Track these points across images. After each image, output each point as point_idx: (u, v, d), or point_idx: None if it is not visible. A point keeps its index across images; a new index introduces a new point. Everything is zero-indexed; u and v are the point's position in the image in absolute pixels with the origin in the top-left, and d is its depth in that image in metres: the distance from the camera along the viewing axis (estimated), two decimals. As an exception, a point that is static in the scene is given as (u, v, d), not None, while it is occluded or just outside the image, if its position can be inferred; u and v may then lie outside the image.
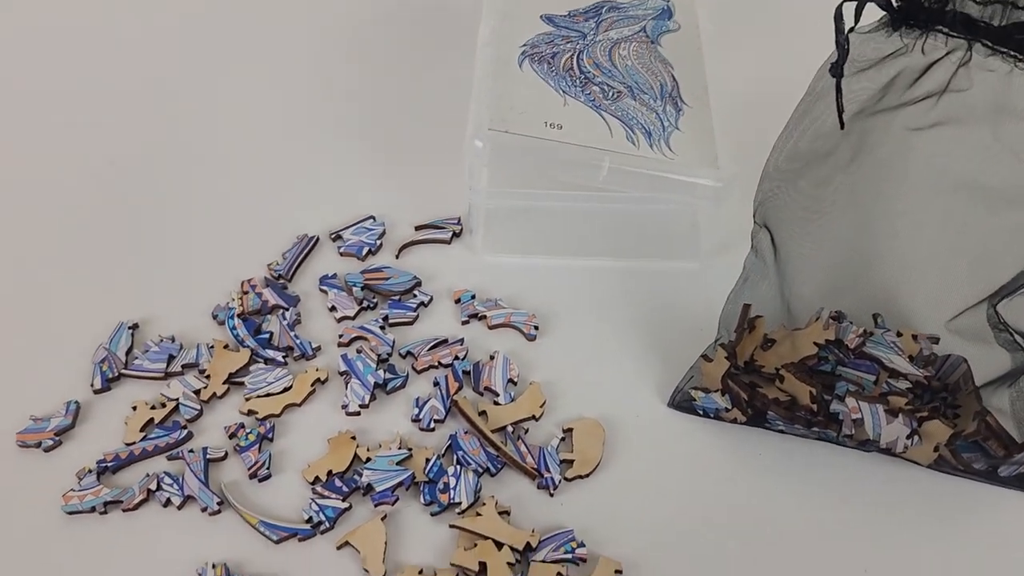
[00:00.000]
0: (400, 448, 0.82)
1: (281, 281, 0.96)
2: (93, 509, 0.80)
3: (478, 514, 0.78)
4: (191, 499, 0.81)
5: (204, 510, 0.80)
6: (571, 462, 0.81)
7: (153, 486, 0.81)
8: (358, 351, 0.89)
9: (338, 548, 0.78)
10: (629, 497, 0.80)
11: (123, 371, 0.90)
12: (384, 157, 1.09)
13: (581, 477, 0.81)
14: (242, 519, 0.80)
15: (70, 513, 0.80)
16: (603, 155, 0.87)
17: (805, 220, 0.79)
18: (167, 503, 0.81)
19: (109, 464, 0.83)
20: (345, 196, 1.04)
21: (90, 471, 0.82)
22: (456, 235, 1.00)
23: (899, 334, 0.79)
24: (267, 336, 0.91)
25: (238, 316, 0.93)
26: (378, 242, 0.99)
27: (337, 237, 1.00)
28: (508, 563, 0.75)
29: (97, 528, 0.80)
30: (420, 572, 0.75)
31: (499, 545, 0.76)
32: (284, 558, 0.78)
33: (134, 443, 0.84)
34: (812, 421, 0.79)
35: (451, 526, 0.78)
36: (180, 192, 1.06)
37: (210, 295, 0.95)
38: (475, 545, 0.76)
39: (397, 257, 0.98)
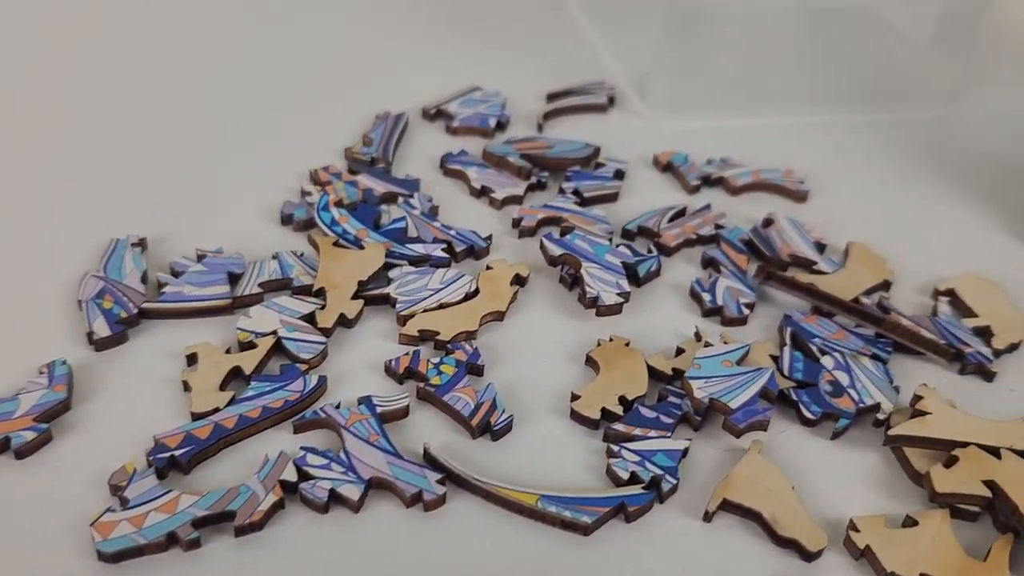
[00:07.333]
0: (725, 343, 0.47)
1: (380, 166, 0.59)
2: (171, 539, 0.37)
3: (920, 413, 0.44)
4: (382, 485, 0.40)
5: (417, 499, 0.39)
6: (987, 329, 0.50)
7: (290, 475, 0.40)
8: (566, 232, 0.53)
9: (709, 517, 0.40)
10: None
11: (146, 305, 0.47)
12: (459, 20, 0.76)
13: (1014, 347, 0.50)
14: (492, 501, 0.40)
15: (115, 555, 0.36)
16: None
17: None
18: (330, 501, 0.39)
19: (176, 453, 0.40)
20: (418, 68, 0.70)
21: (136, 472, 0.39)
22: (612, 100, 0.68)
23: None
24: (398, 228, 0.53)
25: (335, 205, 0.54)
26: (505, 113, 0.65)
27: (439, 113, 0.64)
28: (1028, 475, 0.41)
29: (194, 570, 0.36)
30: (883, 521, 0.40)
31: (992, 452, 0.42)
32: (605, 554, 0.39)
33: (216, 411, 0.42)
34: None
35: (889, 440, 0.43)
36: (187, 73, 0.67)
37: (257, 198, 0.56)
38: (953, 459, 0.42)
39: (540, 130, 0.64)
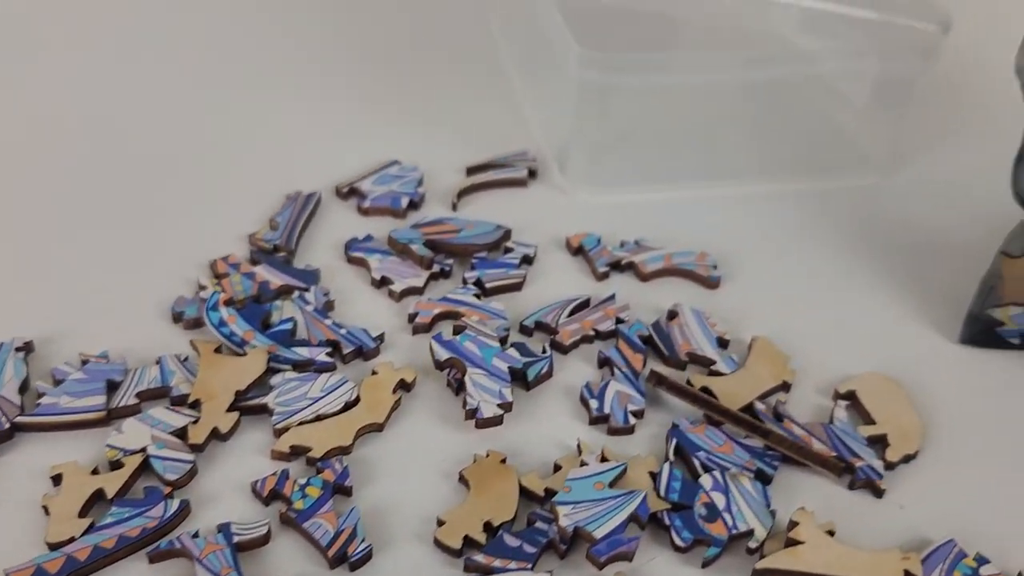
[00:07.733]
0: (603, 460, 0.46)
1: (281, 254, 0.58)
2: None
3: (793, 542, 0.43)
4: (224, 626, 0.39)
5: (259, 642, 0.39)
6: (883, 438, 0.48)
7: (134, 615, 0.39)
8: (458, 331, 0.52)
9: (559, 661, 0.39)
10: (983, 476, 0.48)
11: (19, 419, 0.47)
12: (386, 87, 0.74)
13: (909, 458, 0.48)
14: (341, 646, 0.39)
15: None
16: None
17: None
18: (172, 644, 0.39)
19: (23, 591, 0.40)
20: (339, 143, 0.68)
21: (-20, 613, 0.39)
22: (533, 173, 0.67)
23: None
24: (285, 330, 0.52)
25: (225, 304, 0.53)
26: (419, 191, 0.64)
27: (351, 191, 0.63)
28: (897, 616, 0.40)
29: None
30: (741, 671, 0.39)
31: (863, 588, 0.41)
32: None
33: (72, 540, 0.42)
34: None
35: (757, 574, 0.42)
36: (83, 151, 0.66)
37: (156, 291, 0.55)
38: (820, 598, 0.41)
39: (455, 209, 0.63)
